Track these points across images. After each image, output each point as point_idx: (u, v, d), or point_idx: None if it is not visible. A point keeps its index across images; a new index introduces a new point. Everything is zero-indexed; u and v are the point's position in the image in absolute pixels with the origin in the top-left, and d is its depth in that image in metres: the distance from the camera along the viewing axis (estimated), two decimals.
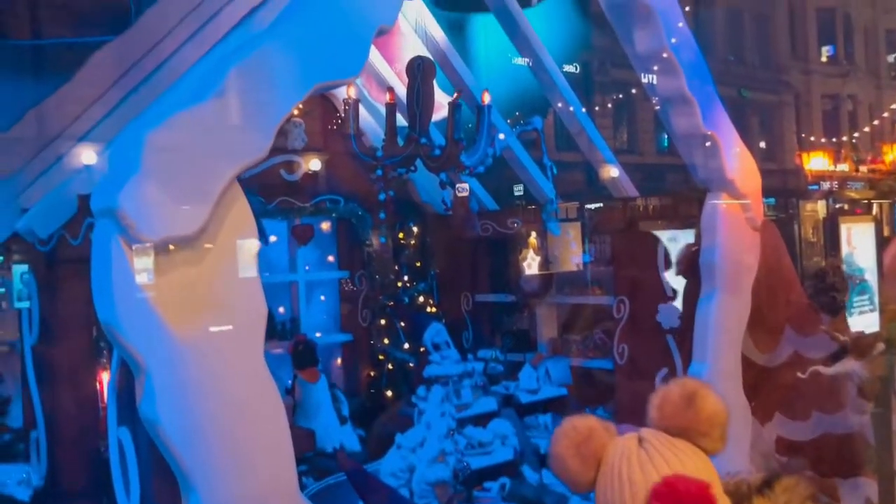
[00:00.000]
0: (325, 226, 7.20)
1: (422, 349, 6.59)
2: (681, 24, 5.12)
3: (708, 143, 5.28)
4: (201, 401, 2.93)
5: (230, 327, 3.02)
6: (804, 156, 23.09)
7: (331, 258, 7.29)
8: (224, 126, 2.97)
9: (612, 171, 6.76)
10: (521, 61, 7.68)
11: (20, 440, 4.35)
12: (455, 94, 4.94)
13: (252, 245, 3.16)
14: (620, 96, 21.29)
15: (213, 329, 2.98)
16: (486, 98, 5.10)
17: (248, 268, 3.15)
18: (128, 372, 3.33)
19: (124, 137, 2.89)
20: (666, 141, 21.23)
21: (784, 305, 5.73)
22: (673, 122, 5.34)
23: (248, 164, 3.04)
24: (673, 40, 4.96)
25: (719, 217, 5.40)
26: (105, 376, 4.55)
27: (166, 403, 2.84)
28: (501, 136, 5.07)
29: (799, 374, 5.34)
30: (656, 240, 5.99)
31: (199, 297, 2.97)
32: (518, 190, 10.52)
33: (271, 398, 3.13)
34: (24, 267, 4.95)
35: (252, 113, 3.03)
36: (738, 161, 5.44)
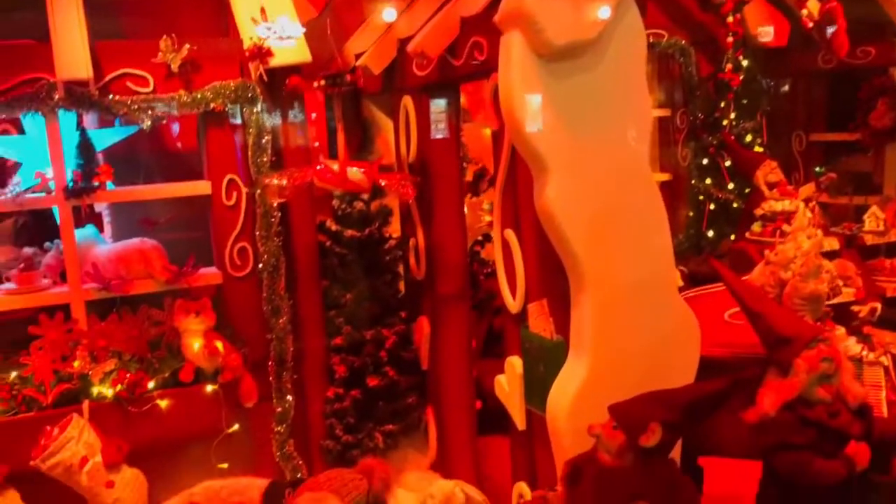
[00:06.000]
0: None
1: (746, 190, 6.38)
2: None
3: None
4: (594, 199, 3.16)
5: (619, 130, 3.19)
6: None
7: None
8: None
9: None
10: None
11: (399, 247, 5.04)
12: None
13: (641, 53, 3.23)
14: None
15: (605, 132, 3.16)
16: None
17: (636, 75, 3.25)
18: (512, 180, 3.67)
19: None
20: None
21: None
22: None
23: None
24: None
25: None
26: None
27: (564, 200, 3.10)
28: None
29: None
30: None
31: (592, 102, 3.15)
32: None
33: (654, 195, 3.31)
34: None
35: None
36: None
